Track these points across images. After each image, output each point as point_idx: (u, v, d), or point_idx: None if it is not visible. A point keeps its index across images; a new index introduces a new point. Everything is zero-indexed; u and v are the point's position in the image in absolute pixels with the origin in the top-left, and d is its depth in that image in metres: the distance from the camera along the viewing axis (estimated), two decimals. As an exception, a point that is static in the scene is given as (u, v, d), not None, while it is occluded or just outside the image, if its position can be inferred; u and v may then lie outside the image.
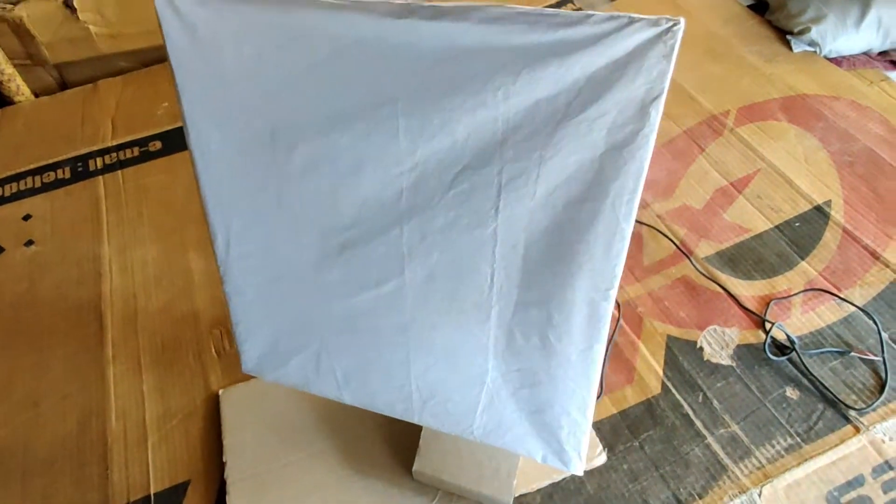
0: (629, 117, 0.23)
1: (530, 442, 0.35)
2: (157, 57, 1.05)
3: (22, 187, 0.86)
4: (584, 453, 0.34)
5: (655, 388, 0.59)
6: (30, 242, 0.79)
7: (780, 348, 0.60)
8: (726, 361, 0.60)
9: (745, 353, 0.60)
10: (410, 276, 0.30)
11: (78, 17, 0.96)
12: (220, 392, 0.62)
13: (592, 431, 0.55)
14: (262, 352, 0.38)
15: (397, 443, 0.56)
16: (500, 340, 0.31)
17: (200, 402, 0.62)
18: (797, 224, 0.70)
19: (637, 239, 0.71)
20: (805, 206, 0.72)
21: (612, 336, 0.63)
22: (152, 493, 0.56)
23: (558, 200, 0.25)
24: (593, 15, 0.21)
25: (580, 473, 0.35)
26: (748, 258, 0.68)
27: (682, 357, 0.61)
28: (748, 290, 0.65)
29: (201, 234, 0.77)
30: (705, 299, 0.65)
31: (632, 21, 0.21)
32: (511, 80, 0.22)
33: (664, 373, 0.60)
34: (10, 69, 0.97)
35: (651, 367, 0.60)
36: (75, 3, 0.94)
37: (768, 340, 0.60)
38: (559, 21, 0.21)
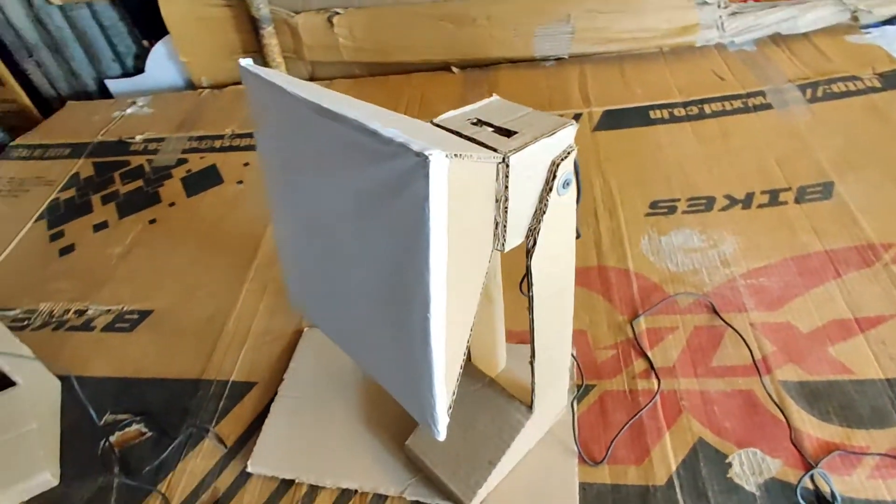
0: (416, 208, 0.30)
1: (412, 404, 0.41)
2: (381, 70, 1.29)
3: (252, 143, 1.15)
4: (438, 427, 0.40)
5: (660, 479, 0.57)
6: (240, 182, 1.06)
7: (819, 499, 0.53)
8: (751, 488, 0.55)
9: (776, 487, 0.54)
10: (344, 264, 0.42)
11: (334, 31, 1.23)
12: (305, 329, 0.76)
13: (576, 491, 0.56)
14: (297, 297, 0.52)
15: (411, 422, 0.64)
16: (392, 326, 0.39)
17: (290, 332, 0.77)
18: (920, 387, 0.60)
19: (716, 338, 0.68)
20: (942, 373, 0.61)
21: (636, 414, 0.62)
22: (231, 380, 0.73)
23: (398, 245, 0.34)
24: (393, 140, 0.29)
25: (439, 438, 0.41)
26: (834, 399, 0.60)
27: (703, 464, 0.57)
28: (815, 430, 0.58)
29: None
30: (759, 421, 0.60)
31: (406, 149, 0.28)
32: (364, 163, 0.32)
33: (677, 470, 0.57)
34: (280, 59, 1.30)
35: (666, 458, 0.58)
36: (334, 21, 1.22)
37: (803, 481, 0.53)
38: (379, 140, 0.30)
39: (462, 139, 0.38)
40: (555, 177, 0.40)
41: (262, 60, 1.30)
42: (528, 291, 0.43)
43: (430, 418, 0.39)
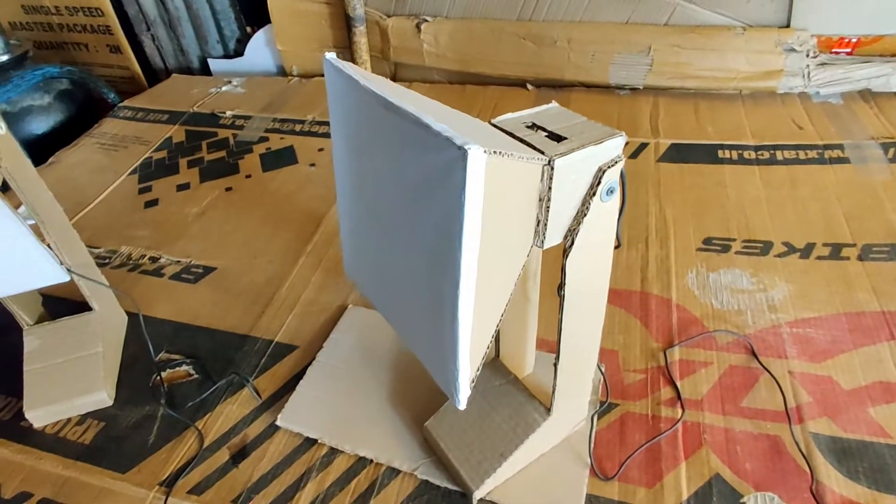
0: (455, 196, 0.33)
1: (439, 374, 0.44)
2: (459, 79, 1.34)
3: (328, 131, 1.22)
4: (459, 397, 0.42)
5: (668, 506, 0.57)
6: (312, 164, 1.13)
7: (831, 555, 0.51)
8: (761, 531, 0.54)
9: (787, 535, 0.53)
10: (399, 243, 0.45)
11: (420, 36, 1.30)
12: (350, 306, 0.81)
13: (583, 497, 0.57)
14: (350, 270, 0.57)
15: (434, 404, 0.66)
16: (427, 301, 0.42)
17: (336, 305, 0.82)
18: (964, 466, 0.57)
19: (750, 380, 0.67)
20: None
21: (655, 438, 0.62)
22: (275, 340, 0.78)
23: (439, 228, 0.36)
24: (440, 134, 0.32)
25: (460, 406, 0.43)
26: (866, 461, 0.58)
27: (717, 499, 0.57)
28: (839, 487, 0.56)
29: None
30: (783, 467, 0.59)
31: (450, 142, 0.31)
32: (419, 152, 0.35)
33: (688, 499, 0.57)
34: (366, 56, 1.37)
35: (678, 486, 0.58)
36: (423, 27, 1.28)
37: (819, 538, 0.52)
38: (429, 132, 0.33)
39: (513, 139, 0.41)
40: (599, 182, 0.42)
41: (350, 56, 1.38)
42: (560, 291, 0.46)
43: (453, 388, 0.42)
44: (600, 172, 0.42)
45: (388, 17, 1.31)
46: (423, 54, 1.31)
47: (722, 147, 1.05)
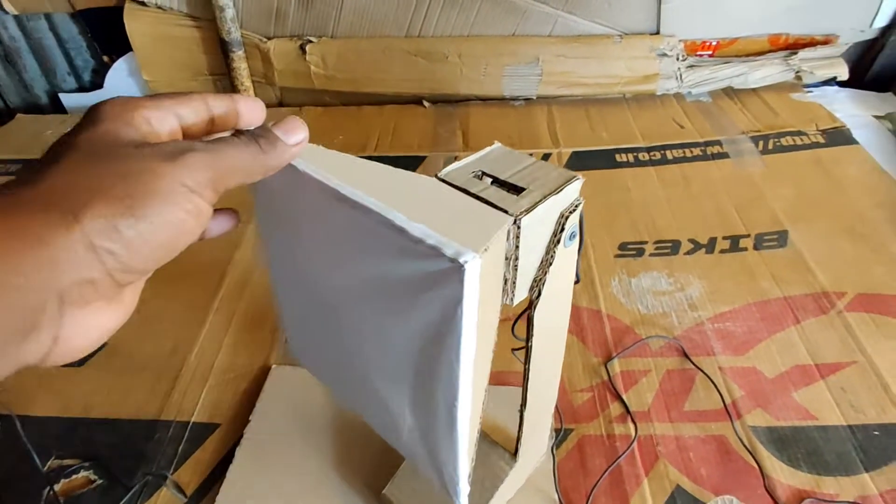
0: (449, 308, 0.29)
1: (430, 472, 0.40)
2: (351, 100, 1.29)
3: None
4: (460, 497, 0.39)
5: (640, 528, 0.57)
6: (204, 207, 1.01)
7: (792, 546, 0.54)
8: (727, 535, 0.56)
9: (751, 534, 0.56)
10: (355, 342, 0.40)
11: (306, 58, 1.22)
12: (273, 367, 0.73)
13: (557, 538, 0.56)
14: (297, 347, 0.51)
15: (386, 467, 0.61)
16: (411, 398, 0.39)
17: (257, 368, 0.74)
18: (876, 433, 0.63)
19: (687, 383, 0.70)
20: (895, 418, 0.64)
21: (615, 461, 0.62)
22: (192, 421, 0.68)
23: (421, 336, 0.32)
24: (423, 241, 0.28)
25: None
26: (802, 446, 0.63)
27: (682, 510, 0.58)
28: (786, 478, 0.60)
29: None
30: (735, 468, 0.61)
31: (438, 252, 0.27)
32: (387, 257, 0.31)
33: (656, 517, 0.58)
34: (249, 83, 1.27)
35: (645, 505, 0.58)
36: (308, 49, 1.21)
37: (780, 532, 0.55)
38: (407, 238, 0.28)
39: (472, 198, 0.38)
40: (563, 229, 0.40)
41: (231, 84, 1.27)
42: (528, 342, 0.43)
43: (452, 489, 0.38)
44: (563, 219, 0.40)
45: (269, 39, 1.22)
46: (312, 77, 1.24)
47: (618, 151, 1.10)
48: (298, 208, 0.37)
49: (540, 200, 0.38)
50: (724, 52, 1.24)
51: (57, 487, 0.62)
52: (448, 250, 0.27)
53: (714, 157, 1.06)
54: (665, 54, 1.19)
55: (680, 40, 1.19)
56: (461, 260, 0.26)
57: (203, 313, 0.81)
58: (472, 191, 0.39)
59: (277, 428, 0.66)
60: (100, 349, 0.77)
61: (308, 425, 0.67)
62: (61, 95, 1.40)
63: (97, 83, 1.41)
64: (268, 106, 1.33)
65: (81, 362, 0.75)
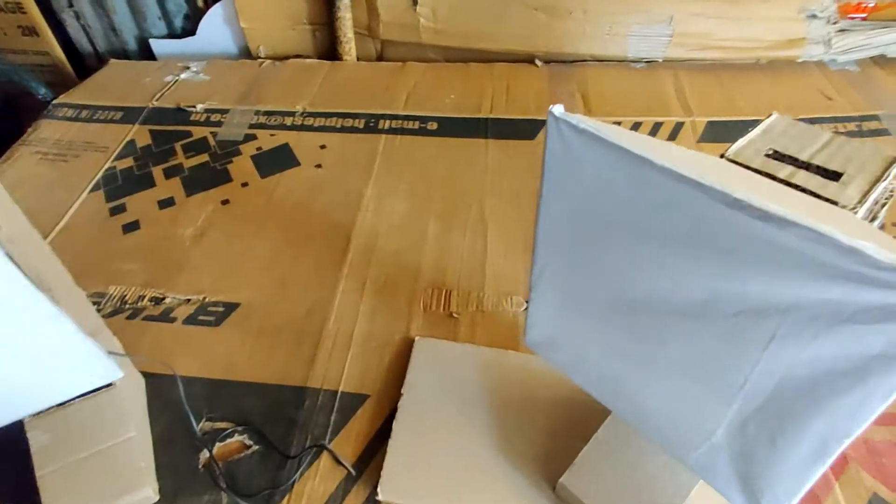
0: (890, 346, 0.24)
1: (734, 494, 0.36)
2: (457, 57, 1.22)
3: (326, 123, 1.07)
4: None
5: (843, 540, 0.52)
6: (318, 165, 0.98)
7: None
8: (946, 556, 0.51)
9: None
10: (674, 352, 0.35)
11: (416, 10, 1.15)
12: (416, 338, 0.70)
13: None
14: (541, 340, 0.48)
15: (551, 453, 0.58)
16: (735, 421, 0.35)
17: (398, 338, 0.71)
18: None
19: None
20: None
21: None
22: (340, 390, 0.66)
23: (821, 367, 0.28)
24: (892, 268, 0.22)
25: None
26: None
27: (887, 524, 0.53)
28: None
29: (445, 207, 0.88)
30: None
31: None
32: (805, 278, 0.25)
33: (859, 529, 0.53)
34: (351, 34, 1.21)
35: (844, 514, 0.54)
36: (419, 0, 1.14)
37: None
38: (862, 262, 0.22)
39: (795, 190, 0.32)
40: (874, 218, 0.34)
41: (332, 34, 1.21)
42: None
43: None
44: (877, 206, 0.34)
45: (378, -13, 1.15)
46: (420, 30, 1.17)
47: (760, 122, 1.00)
48: (617, 200, 0.33)
49: (868, 190, 0.32)
50: (879, 15, 1.11)
51: (213, 451, 0.61)
52: None
53: (872, 133, 0.96)
54: (815, 16, 1.07)
55: (833, 0, 1.07)
56: None
57: (333, 278, 0.78)
58: (781, 177, 0.34)
59: (431, 403, 0.63)
60: (235, 308, 0.75)
61: (463, 402, 0.63)
62: (152, 41, 1.37)
63: (189, 30, 1.37)
64: (367, 59, 1.27)
65: (218, 322, 0.74)
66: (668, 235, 0.30)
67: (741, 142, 0.37)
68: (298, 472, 0.59)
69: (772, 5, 1.08)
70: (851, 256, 0.22)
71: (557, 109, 0.34)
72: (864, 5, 1.10)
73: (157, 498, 0.56)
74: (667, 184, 0.28)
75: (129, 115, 1.10)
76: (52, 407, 0.56)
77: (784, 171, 0.34)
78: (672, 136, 0.99)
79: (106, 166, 0.99)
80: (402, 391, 0.64)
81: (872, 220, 0.34)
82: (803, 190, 0.32)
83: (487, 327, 0.72)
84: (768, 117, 0.39)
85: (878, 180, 0.32)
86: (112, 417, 0.57)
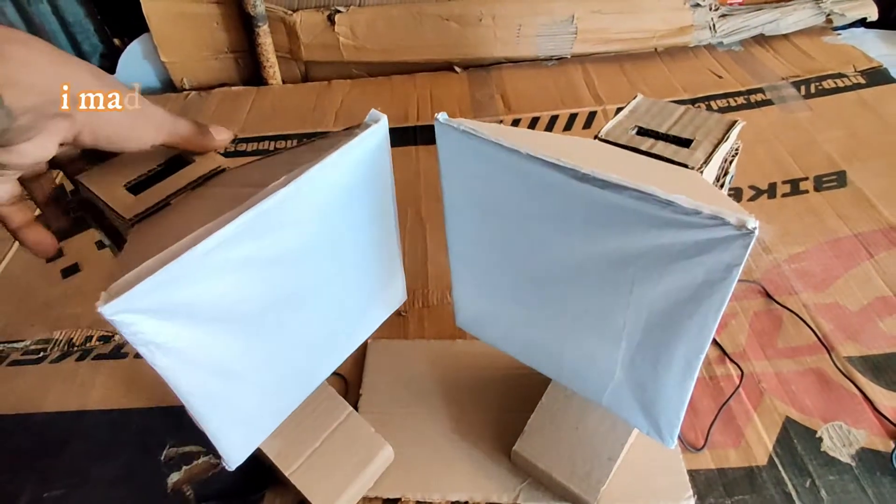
0: (717, 271, 0.31)
1: (639, 420, 0.42)
2: (380, 71, 1.26)
3: (260, 147, 1.09)
4: (674, 438, 0.41)
5: (761, 460, 0.59)
6: (256, 189, 1.00)
7: (911, 464, 0.57)
8: (845, 459, 0.59)
9: (870, 457, 0.59)
10: (570, 310, 0.42)
11: (334, 29, 1.19)
12: (369, 341, 0.73)
13: (686, 476, 0.58)
14: (469, 321, 0.55)
15: (504, 427, 0.63)
16: (625, 358, 0.40)
17: (351, 343, 0.74)
18: (963, 354, 0.67)
19: (776, 322, 0.72)
20: (978, 340, 0.68)
21: (727, 400, 0.64)
22: (300, 399, 0.68)
23: (671, 299, 0.34)
24: (700, 212, 0.29)
25: (672, 447, 0.42)
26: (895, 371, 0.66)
27: (797, 440, 0.61)
28: (888, 400, 0.63)
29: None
30: (837, 396, 0.64)
31: (721, 222, 0.29)
32: (642, 230, 0.32)
33: (774, 449, 0.60)
34: (273, 58, 1.24)
35: (761, 438, 0.61)
36: (336, 19, 1.18)
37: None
38: (676, 210, 0.29)
39: (652, 159, 0.38)
40: (726, 173, 0.40)
41: (254, 60, 1.24)
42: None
43: (668, 433, 0.41)
44: (725, 163, 0.40)
45: (294, 11, 1.18)
46: (341, 49, 1.21)
47: (661, 105, 1.10)
48: (501, 190, 0.38)
49: (713, 151, 0.38)
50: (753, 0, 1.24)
51: (178, 475, 0.62)
52: (731, 219, 0.28)
53: (758, 104, 1.07)
54: (698, 4, 1.18)
55: (712, -11, 1.19)
56: (749, 227, 0.27)
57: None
58: (642, 148, 0.40)
59: (390, 400, 0.67)
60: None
61: (417, 394, 0.68)
62: (71, 85, 1.35)
63: (107, 68, 1.36)
64: (292, 81, 1.29)
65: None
66: (545, 215, 0.36)
67: (611, 123, 0.42)
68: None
69: (660, -2, 1.18)
70: (669, 207, 0.28)
71: (442, 116, 0.39)
72: (739, -9, 1.22)
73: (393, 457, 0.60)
74: (534, 169, 0.33)
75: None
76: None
77: (646, 143, 0.40)
78: (587, 125, 1.06)
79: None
80: (360, 392, 0.68)
81: (725, 174, 0.41)
82: (661, 157, 0.38)
83: (434, 322, 0.76)
84: (633, 99, 0.45)
85: (720, 142, 0.39)
86: (328, 403, 0.61)
